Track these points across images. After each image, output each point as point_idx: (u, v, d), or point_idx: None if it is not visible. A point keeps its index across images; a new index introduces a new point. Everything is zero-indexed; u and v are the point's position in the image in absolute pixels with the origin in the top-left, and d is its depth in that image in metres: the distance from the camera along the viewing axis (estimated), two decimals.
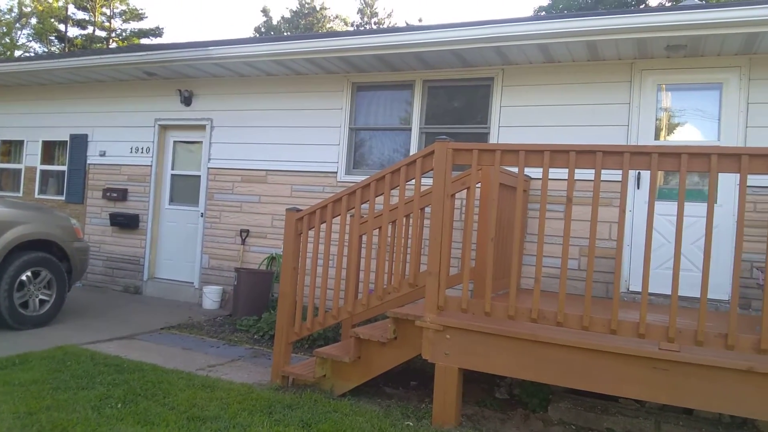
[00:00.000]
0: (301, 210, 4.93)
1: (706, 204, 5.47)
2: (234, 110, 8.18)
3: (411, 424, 4.11)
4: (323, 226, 4.82)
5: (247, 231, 7.99)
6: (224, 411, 4.03)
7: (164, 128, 8.89)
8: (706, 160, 3.47)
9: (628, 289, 5.90)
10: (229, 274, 7.94)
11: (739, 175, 3.42)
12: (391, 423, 4.06)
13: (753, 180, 5.26)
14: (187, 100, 8.55)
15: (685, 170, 3.52)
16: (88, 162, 9.39)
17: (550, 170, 3.91)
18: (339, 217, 4.76)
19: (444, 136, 4.35)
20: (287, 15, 35.62)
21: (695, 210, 5.39)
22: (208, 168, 8.36)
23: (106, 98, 9.25)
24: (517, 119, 6.46)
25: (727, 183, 5.48)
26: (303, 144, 7.63)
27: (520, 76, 6.48)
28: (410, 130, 7.07)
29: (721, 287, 5.52)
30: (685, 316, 4.27)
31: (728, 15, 5.00)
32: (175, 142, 8.95)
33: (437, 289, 4.19)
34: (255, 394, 4.44)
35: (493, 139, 6.53)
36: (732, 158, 3.43)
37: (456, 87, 6.97)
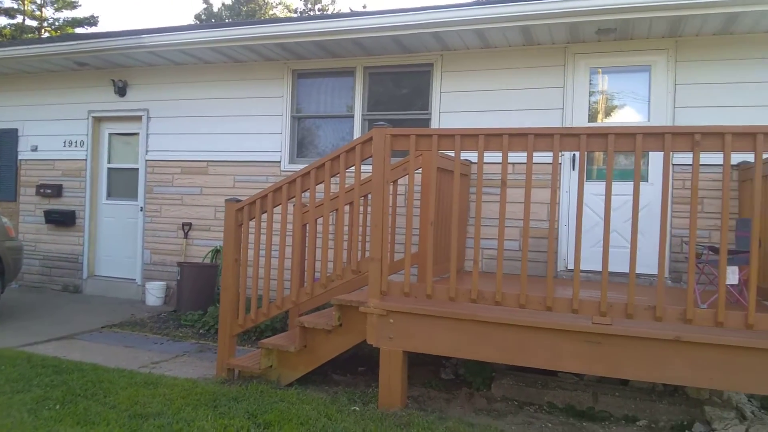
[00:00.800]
0: (241, 200, 4.85)
1: (644, 183, 5.73)
2: (171, 100, 7.95)
3: (357, 408, 4.14)
4: (265, 216, 4.77)
5: (190, 224, 7.82)
6: (167, 407, 3.97)
7: (98, 120, 8.57)
8: (632, 140, 3.59)
9: (567, 267, 6.08)
10: (173, 269, 7.76)
11: (665, 153, 3.56)
12: (338, 409, 4.08)
13: (683, 158, 5.53)
14: (121, 91, 8.26)
15: (612, 150, 3.64)
16: (20, 158, 8.97)
17: (490, 154, 3.99)
18: (281, 206, 4.72)
19: (382, 123, 4.36)
20: (228, 2, 34.71)
21: (627, 189, 5.56)
22: (146, 160, 8.11)
23: (36, 90, 8.83)
24: (457, 105, 6.53)
25: (658, 163, 5.70)
26: (244, 133, 7.50)
27: (459, 62, 6.55)
28: (353, 117, 7.05)
29: (653, 262, 5.73)
30: (619, 291, 4.44)
31: None
32: (110, 134, 8.64)
33: (380, 275, 4.22)
34: (200, 389, 4.38)
35: (434, 125, 6.59)
36: (656, 137, 3.57)
37: (397, 73, 6.98)
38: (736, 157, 5.35)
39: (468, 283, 4.08)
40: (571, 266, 6.05)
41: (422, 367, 5.28)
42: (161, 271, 8.02)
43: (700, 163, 4.93)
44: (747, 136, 3.42)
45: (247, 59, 7.42)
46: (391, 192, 5.27)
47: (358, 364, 5.36)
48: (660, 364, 3.58)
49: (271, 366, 4.71)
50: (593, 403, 4.34)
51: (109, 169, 8.65)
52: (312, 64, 7.22)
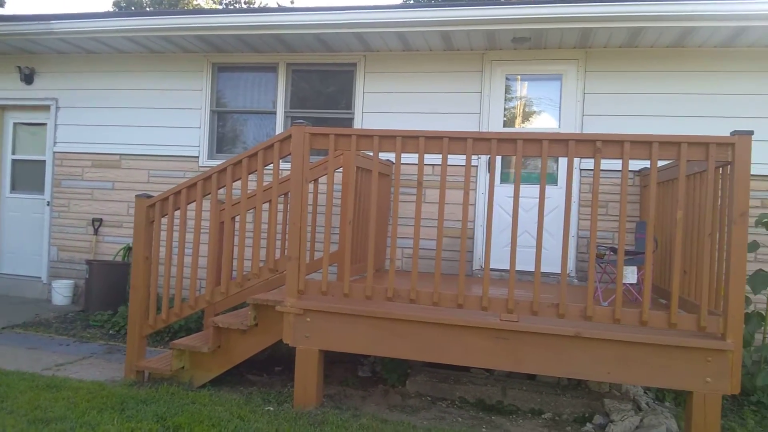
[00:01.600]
0: (154, 196, 4.69)
1: (555, 186, 6.00)
2: (83, 89, 7.56)
3: (272, 408, 4.11)
4: (178, 213, 4.63)
5: (100, 220, 7.46)
6: (71, 411, 3.80)
7: (2, 108, 8.02)
8: (539, 145, 3.76)
9: (482, 266, 6.26)
10: (81, 266, 7.37)
11: (569, 158, 3.75)
12: (251, 409, 4.03)
13: (589, 163, 5.83)
14: (28, 78, 7.76)
15: (520, 154, 3.80)
16: None
17: (409, 155, 4.05)
18: (195, 203, 4.60)
19: (302, 121, 4.34)
20: None
21: (538, 192, 5.84)
22: (55, 152, 7.67)
23: None
24: (379, 105, 6.59)
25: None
26: (161, 126, 7.24)
27: (381, 63, 6.61)
28: (275, 114, 6.97)
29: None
30: (529, 290, 4.64)
31: (566, 10, 5.43)
32: (15, 123, 8.10)
33: (297, 274, 4.20)
34: (106, 392, 4.21)
35: (357, 125, 6.62)
36: (561, 143, 3.76)
37: (321, 72, 6.96)
38: (640, 164, 5.71)
39: (386, 282, 4.13)
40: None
41: (340, 365, 5.30)
42: (69, 269, 7.60)
43: (609, 168, 5.24)
44: (644, 144, 3.66)
45: (165, 50, 7.17)
46: (312, 191, 5.27)
47: (275, 364, 5.31)
48: (562, 359, 3.77)
49: (183, 367, 4.58)
50: (502, 397, 4.51)
51: (13, 160, 8.12)
52: (234, 58, 7.07)
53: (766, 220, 4.92)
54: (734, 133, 3.58)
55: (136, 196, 4.69)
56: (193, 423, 3.70)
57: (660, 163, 5.10)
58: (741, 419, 4.44)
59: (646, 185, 5.70)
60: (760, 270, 4.90)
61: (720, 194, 3.76)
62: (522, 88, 6.40)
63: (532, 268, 5.36)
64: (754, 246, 4.93)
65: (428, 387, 4.69)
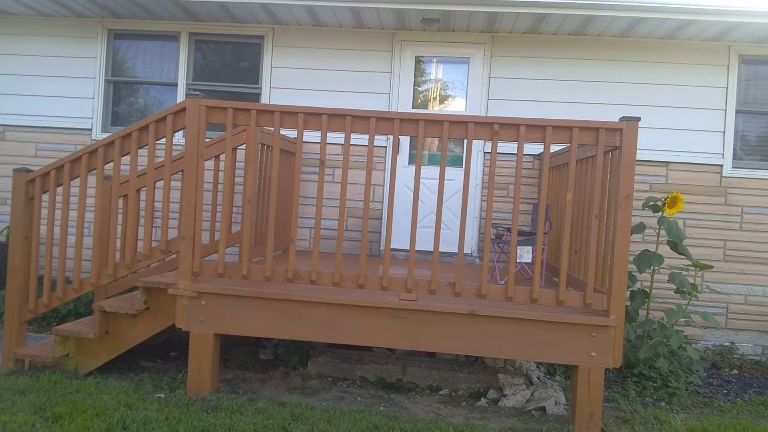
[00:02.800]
0: (34, 171, 4.32)
1: (460, 169, 6.07)
2: None
3: (163, 395, 3.93)
4: (60, 190, 4.29)
5: None
6: None
7: None
8: (440, 127, 3.77)
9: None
10: None
11: (468, 140, 3.77)
12: (140, 397, 3.85)
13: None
14: None
15: (422, 135, 3.79)
16: None
17: (317, 133, 3.94)
18: (80, 179, 4.28)
19: (197, 92, 4.12)
20: None
21: (449, 174, 5.92)
22: None
23: None
24: (288, 81, 6.40)
25: (474, 150, 6.10)
26: (51, 96, 6.68)
27: (290, 38, 6.41)
28: (176, 86, 6.61)
29: (466, 243, 6.17)
30: (427, 269, 4.68)
31: None
32: None
33: (191, 255, 4.01)
34: None
35: (264, 100, 6.40)
36: (461, 125, 3.78)
37: (227, 43, 6.65)
38: (539, 148, 5.88)
39: (285, 263, 4.03)
40: (392, 246, 6.26)
41: (241, 349, 5.17)
42: None
43: (509, 152, 5.32)
44: (539, 128, 3.75)
45: (56, 13, 6.60)
46: (212, 168, 5.05)
47: (171, 349, 5.10)
48: (458, 337, 3.84)
49: (68, 354, 4.30)
50: (402, 375, 4.55)
51: None
52: (132, 24, 6.62)
53: (652, 203, 5.22)
54: (622, 119, 3.73)
55: (14, 170, 4.30)
56: (75, 413, 3.48)
57: (556, 148, 5.35)
58: (624, 390, 4.72)
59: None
60: (646, 250, 5.21)
61: (609, 178, 3.93)
62: (431, 70, 6.41)
63: (432, 248, 5.47)
64: (640, 227, 5.23)
65: (330, 368, 4.66)
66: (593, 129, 3.73)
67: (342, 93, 6.27)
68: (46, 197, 4.41)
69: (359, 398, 4.25)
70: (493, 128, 3.71)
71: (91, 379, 4.16)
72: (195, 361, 4.01)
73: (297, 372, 4.67)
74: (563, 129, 3.73)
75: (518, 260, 4.35)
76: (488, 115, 6.07)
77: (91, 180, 5.92)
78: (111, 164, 4.35)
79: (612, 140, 3.74)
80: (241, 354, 5.07)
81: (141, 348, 4.56)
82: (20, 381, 4.00)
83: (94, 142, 6.41)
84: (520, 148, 3.74)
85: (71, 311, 5.56)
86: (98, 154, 4.19)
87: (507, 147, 5.72)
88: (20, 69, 6.75)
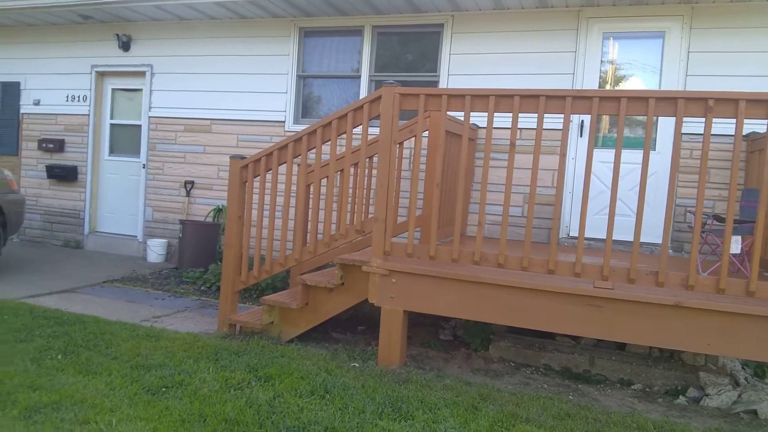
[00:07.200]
0: (246, 158, 4.82)
1: (654, 152, 5.68)
2: (176, 56, 7.84)
3: (357, 365, 4.19)
4: (269, 175, 4.74)
5: (192, 182, 7.79)
6: (169, 359, 4.00)
7: (102, 75, 8.47)
8: (644, 104, 3.54)
9: (569, 234, 6.08)
10: (174, 227, 7.77)
11: (677, 119, 3.51)
12: (338, 365, 4.13)
13: (690, 127, 5.45)
14: (125, 46, 8.14)
15: (623, 114, 3.59)
16: (22, 111, 8.89)
17: (496, 118, 3.93)
18: (285, 165, 4.69)
19: (391, 81, 4.30)
20: None
21: (635, 157, 5.55)
22: (149, 117, 8.04)
23: (39, 43, 8.69)
24: (466, 67, 6.43)
25: (667, 131, 5.65)
26: (249, 92, 7.42)
27: (469, 23, 6.42)
28: (360, 78, 6.96)
29: (657, 231, 5.73)
30: (621, 259, 4.45)
31: None
32: (113, 89, 8.54)
33: (383, 235, 4.21)
34: (201, 343, 4.42)
35: (442, 87, 6.50)
36: (669, 102, 3.52)
37: (406, 33, 6.86)
38: (746, 128, 5.29)
39: (470, 247, 4.07)
40: (573, 233, 6.05)
41: (421, 328, 5.33)
42: (163, 229, 8.03)
43: (716, 133, 4.80)
44: (761, 103, 3.37)
45: (254, 15, 7.29)
46: (396, 155, 5.25)
47: (358, 324, 5.41)
48: (659, 329, 3.60)
49: (272, 322, 4.75)
50: (589, 366, 4.39)
51: (111, 125, 8.59)
52: (320, 21, 7.09)
53: None
54: None
55: (231, 157, 4.83)
56: (283, 374, 3.83)
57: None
58: None
59: (753, 150, 5.29)
60: None
61: None
62: (619, 48, 6.04)
63: (621, 237, 5.18)
64: None
65: (512, 353, 4.63)
66: None
67: (522, 76, 6.16)
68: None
69: (545, 385, 4.17)
70: (707, 104, 3.40)
71: (293, 346, 4.55)
72: (385, 334, 4.22)
73: (478, 354, 4.71)
74: None
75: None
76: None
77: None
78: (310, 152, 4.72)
79: None
80: (421, 333, 5.23)
81: (332, 321, 4.90)
82: (234, 344, 4.50)
83: (287, 132, 7.02)
84: (739, 126, 3.39)
85: (269, 285, 6.13)
86: (302, 142, 4.56)
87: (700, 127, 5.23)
88: (223, 68, 7.56)
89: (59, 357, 3.92)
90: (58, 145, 8.61)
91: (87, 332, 4.48)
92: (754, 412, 3.79)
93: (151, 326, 4.91)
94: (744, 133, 5.40)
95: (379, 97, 4.22)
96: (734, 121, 3.40)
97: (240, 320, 4.85)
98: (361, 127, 4.40)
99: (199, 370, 3.82)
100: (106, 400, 3.25)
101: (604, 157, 5.66)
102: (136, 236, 8.31)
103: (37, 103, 8.77)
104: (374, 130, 4.72)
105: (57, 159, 8.67)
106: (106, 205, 8.63)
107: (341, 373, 3.97)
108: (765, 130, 4.70)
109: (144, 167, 8.15)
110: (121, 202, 8.49)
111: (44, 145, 8.67)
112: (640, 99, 3.54)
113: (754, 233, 3.49)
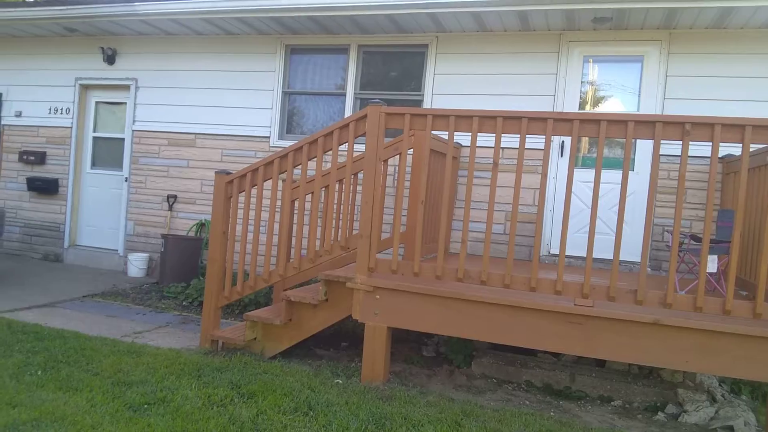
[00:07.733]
0: (232, 173, 4.84)
1: (632, 173, 5.80)
2: (161, 70, 7.85)
3: (340, 381, 4.20)
4: (254, 190, 4.76)
5: (175, 196, 7.76)
6: (151, 375, 3.97)
7: (86, 88, 8.44)
8: (624, 127, 3.65)
9: (549, 252, 6.17)
10: (156, 241, 7.72)
11: (655, 141, 3.61)
12: (321, 381, 4.13)
13: (668, 149, 5.60)
14: (110, 59, 8.13)
15: (603, 136, 3.69)
16: (3, 123, 8.80)
17: (479, 138, 4.02)
18: (270, 180, 4.71)
19: (377, 100, 4.36)
20: None
21: (614, 177, 5.68)
22: (133, 130, 8.02)
23: (22, 55, 8.64)
24: (450, 87, 6.54)
25: (646, 153, 5.79)
26: (234, 107, 7.44)
27: (454, 44, 6.54)
28: (345, 95, 7.03)
29: (636, 250, 5.85)
30: (601, 277, 4.53)
31: None
32: (97, 102, 8.50)
33: (368, 251, 4.25)
34: (183, 359, 4.40)
35: (426, 106, 6.59)
36: (647, 125, 3.62)
37: (391, 53, 6.96)
38: (723, 150, 5.44)
39: (454, 264, 4.13)
40: (554, 251, 6.14)
41: (404, 344, 5.35)
42: (144, 243, 7.97)
43: (692, 155, 4.94)
44: (736, 128, 3.49)
45: (240, 32, 7.34)
46: (381, 172, 5.30)
47: (341, 340, 5.41)
48: (638, 346, 3.67)
49: (255, 338, 4.74)
50: (570, 383, 4.44)
51: (94, 138, 8.53)
52: (306, 39, 7.16)
53: None
54: None
55: (216, 172, 4.84)
56: (266, 392, 3.82)
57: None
58: None
59: (728, 172, 5.44)
60: None
61: None
62: (598, 71, 6.20)
63: (602, 255, 5.27)
64: None
65: (494, 369, 4.67)
66: None
67: (503, 96, 6.28)
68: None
69: (527, 402, 4.22)
70: (684, 128, 3.52)
71: (276, 362, 4.54)
72: (369, 351, 4.24)
73: (461, 371, 4.74)
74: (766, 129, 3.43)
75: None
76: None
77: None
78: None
79: None
80: (404, 349, 5.25)
81: (314, 337, 4.89)
82: (216, 360, 4.48)
83: (272, 148, 7.04)
84: (714, 149, 3.51)
85: (252, 301, 6.11)
86: (288, 158, 4.59)
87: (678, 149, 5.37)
88: (209, 83, 7.59)
89: (39, 373, 3.86)
90: (40, 158, 8.52)
91: (67, 347, 4.43)
92: (731, 428, 3.86)
93: (132, 342, 4.87)
94: (720, 155, 5.57)
95: (365, 116, 4.28)
96: (710, 144, 3.52)
97: (223, 336, 4.83)
98: (347, 144, 4.45)
99: (182, 387, 3.79)
100: (87, 417, 3.22)
101: (584, 176, 5.77)
102: (117, 250, 8.23)
103: (18, 114, 8.70)
104: (359, 147, 4.77)
105: (38, 171, 8.58)
106: (87, 218, 8.55)
107: (325, 389, 3.97)
108: (740, 153, 4.83)
109: (126, 181, 8.11)
110: (102, 216, 8.42)
111: (25, 157, 8.59)
112: (619, 122, 3.64)
113: (730, 253, 3.59)
